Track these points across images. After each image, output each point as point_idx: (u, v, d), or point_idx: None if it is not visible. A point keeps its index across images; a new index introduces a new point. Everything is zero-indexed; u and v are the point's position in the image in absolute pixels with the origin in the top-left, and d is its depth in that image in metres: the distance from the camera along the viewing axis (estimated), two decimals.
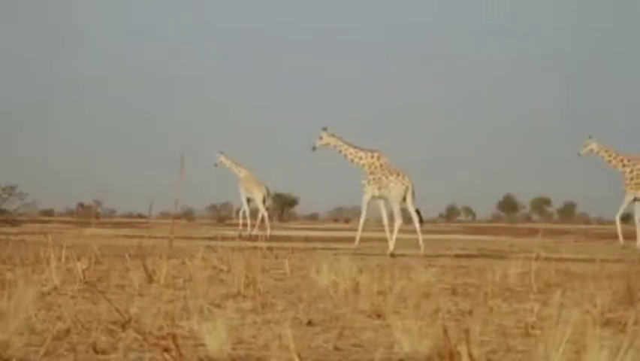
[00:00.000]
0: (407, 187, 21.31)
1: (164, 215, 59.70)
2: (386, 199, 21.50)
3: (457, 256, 18.21)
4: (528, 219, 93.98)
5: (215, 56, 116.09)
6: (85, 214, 70.44)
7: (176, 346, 5.51)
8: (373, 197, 21.70)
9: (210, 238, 26.60)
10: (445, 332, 5.30)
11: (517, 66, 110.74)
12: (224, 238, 25.53)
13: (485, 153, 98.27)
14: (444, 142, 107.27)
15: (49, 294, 8.95)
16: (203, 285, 9.81)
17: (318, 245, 22.99)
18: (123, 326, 6.84)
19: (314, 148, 22.25)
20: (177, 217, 32.30)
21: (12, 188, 39.09)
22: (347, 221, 79.50)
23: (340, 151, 22.17)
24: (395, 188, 21.26)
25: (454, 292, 9.91)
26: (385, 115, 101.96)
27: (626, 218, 28.09)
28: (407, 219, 21.65)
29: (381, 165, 21.65)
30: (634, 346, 5.25)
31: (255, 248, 16.31)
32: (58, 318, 7.18)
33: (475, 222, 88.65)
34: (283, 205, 79.11)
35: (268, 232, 30.68)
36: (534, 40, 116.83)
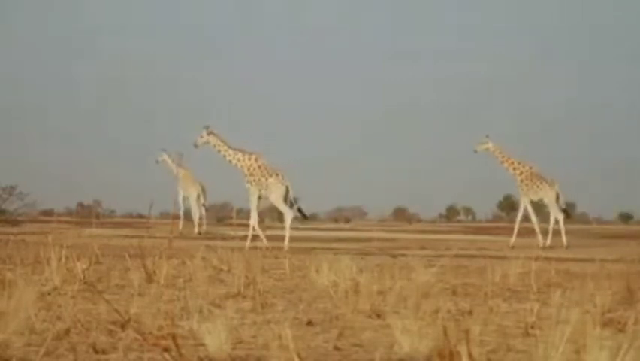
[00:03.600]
0: (287, 187, 21.85)
1: (164, 215, 59.66)
2: (267, 199, 22.09)
3: (457, 256, 18.20)
4: (528, 219, 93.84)
5: (215, 56, 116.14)
6: (85, 214, 70.37)
7: (176, 346, 5.51)
8: (259, 197, 22.20)
9: (210, 238, 26.60)
10: (445, 332, 5.30)
11: (517, 66, 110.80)
12: (224, 238, 25.54)
13: (485, 153, 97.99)
14: (444, 142, 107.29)
15: (49, 294, 8.95)
16: (203, 285, 9.81)
17: (318, 245, 22.99)
18: (123, 326, 6.84)
19: (196, 145, 22.73)
20: (177, 217, 32.37)
21: (12, 188, 39.10)
22: (347, 221, 79.47)
23: (219, 151, 22.57)
24: (276, 189, 21.80)
25: (454, 292, 9.91)
26: (385, 115, 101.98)
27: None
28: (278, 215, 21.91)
29: (259, 167, 22.15)
30: (634, 346, 5.25)
31: (255, 248, 16.31)
32: (58, 318, 7.18)
33: (475, 222, 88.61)
34: None
35: (204, 228, 32.24)
36: (534, 40, 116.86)
